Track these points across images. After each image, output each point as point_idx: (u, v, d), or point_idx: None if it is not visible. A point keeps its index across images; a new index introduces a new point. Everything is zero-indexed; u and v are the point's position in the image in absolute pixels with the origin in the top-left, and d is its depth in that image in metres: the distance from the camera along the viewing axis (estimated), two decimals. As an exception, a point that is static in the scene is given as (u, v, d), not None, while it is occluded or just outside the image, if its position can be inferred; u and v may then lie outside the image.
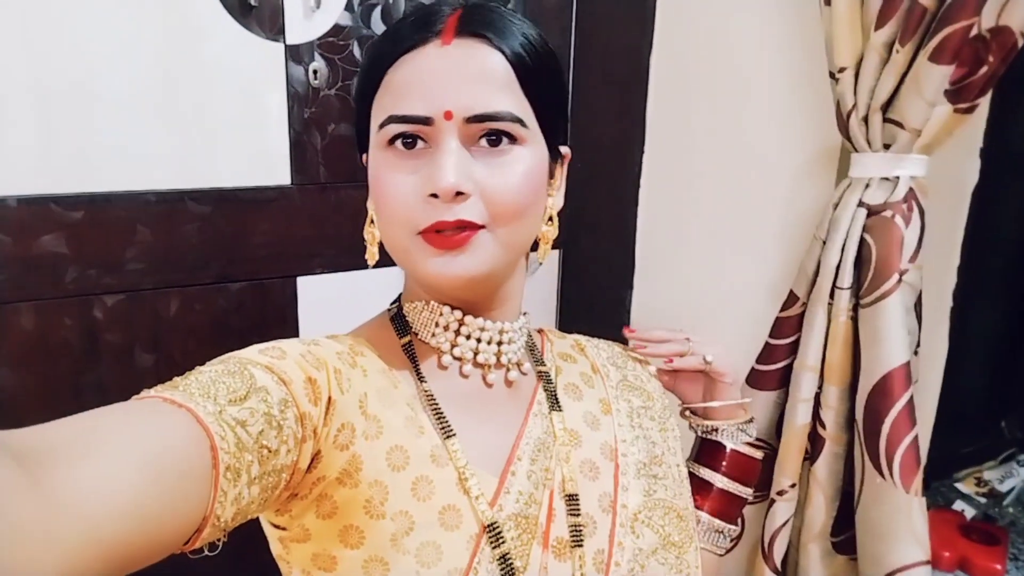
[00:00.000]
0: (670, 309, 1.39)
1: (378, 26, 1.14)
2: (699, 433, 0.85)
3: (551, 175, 0.66)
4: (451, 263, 0.59)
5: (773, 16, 1.13)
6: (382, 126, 0.60)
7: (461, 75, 0.58)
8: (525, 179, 0.60)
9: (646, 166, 1.43)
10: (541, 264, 0.70)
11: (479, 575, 0.58)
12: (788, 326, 1.04)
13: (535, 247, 0.68)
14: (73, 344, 1.04)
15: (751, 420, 0.85)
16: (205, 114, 1.06)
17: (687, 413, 0.86)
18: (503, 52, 0.59)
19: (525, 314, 0.71)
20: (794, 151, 1.13)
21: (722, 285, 1.27)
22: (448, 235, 0.58)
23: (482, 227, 0.59)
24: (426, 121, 0.58)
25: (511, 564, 0.60)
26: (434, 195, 0.58)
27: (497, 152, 0.60)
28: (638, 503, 0.69)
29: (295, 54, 1.10)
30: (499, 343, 0.67)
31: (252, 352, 0.55)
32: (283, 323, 1.17)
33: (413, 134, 0.59)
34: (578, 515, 0.65)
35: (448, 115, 0.57)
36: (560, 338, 0.81)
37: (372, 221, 0.66)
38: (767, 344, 1.07)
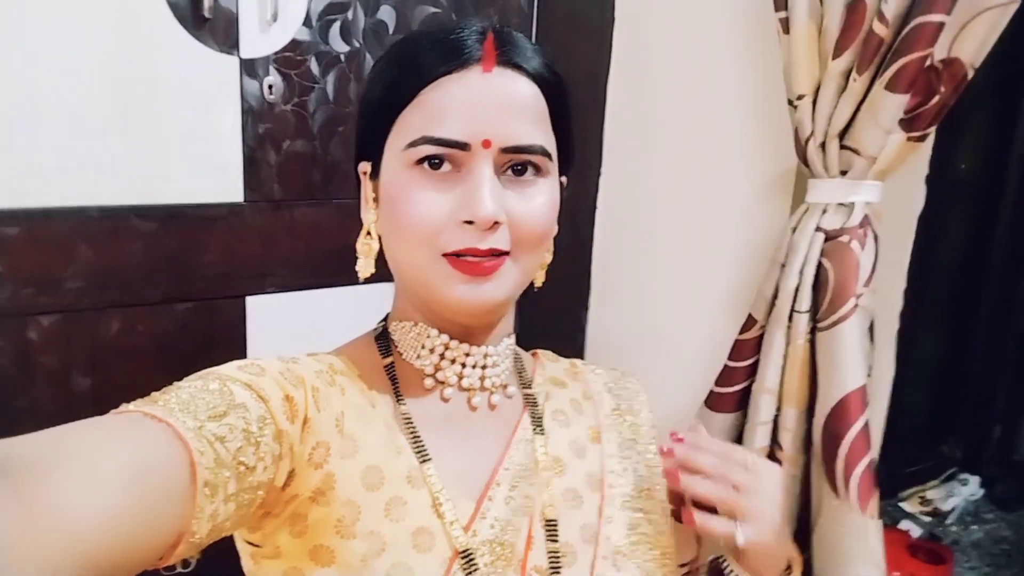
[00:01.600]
0: (627, 331, 1.39)
1: (336, 42, 1.12)
2: None
3: None
4: (478, 290, 0.60)
5: (731, 43, 1.15)
6: (413, 144, 0.59)
7: (501, 104, 0.59)
8: (548, 209, 0.62)
9: (603, 189, 1.43)
10: (537, 288, 0.71)
11: None
12: (746, 349, 1.05)
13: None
14: (5, 367, 0.97)
15: None
16: (155, 128, 1.01)
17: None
18: (538, 84, 0.61)
19: (510, 336, 0.71)
20: (751, 176, 1.15)
21: (679, 308, 1.28)
22: (478, 262, 0.59)
23: (507, 254, 0.60)
24: (463, 146, 0.58)
25: None
26: (469, 222, 0.58)
27: (522, 182, 0.61)
28: (621, 536, 0.68)
29: (250, 68, 1.07)
30: (483, 367, 0.67)
31: (231, 369, 0.55)
32: (231, 345, 1.13)
33: (442, 156, 0.59)
34: (557, 541, 0.64)
35: (487, 144, 0.58)
36: (554, 362, 0.79)
37: (368, 233, 0.66)
38: (726, 366, 1.08)
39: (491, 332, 0.67)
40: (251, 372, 0.55)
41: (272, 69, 1.08)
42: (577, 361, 0.81)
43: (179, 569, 0.47)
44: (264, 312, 1.15)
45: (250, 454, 0.49)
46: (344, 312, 1.19)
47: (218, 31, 1.03)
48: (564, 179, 0.69)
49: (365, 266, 0.66)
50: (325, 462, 0.58)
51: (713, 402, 1.09)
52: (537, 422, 0.69)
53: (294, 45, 1.09)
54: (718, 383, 1.09)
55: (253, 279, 1.13)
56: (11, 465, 0.37)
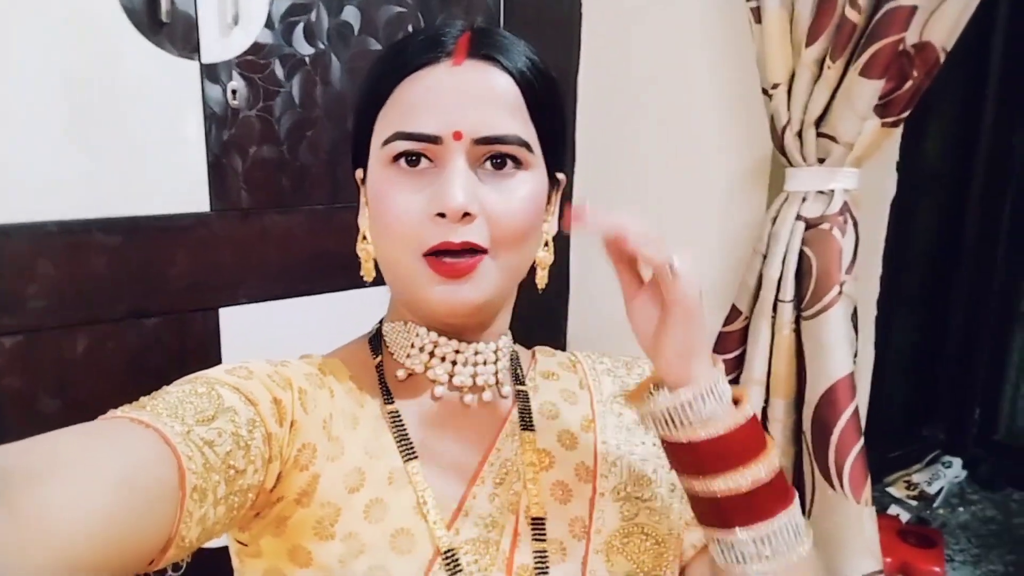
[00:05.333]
0: (605, 324, 1.38)
1: (300, 44, 1.09)
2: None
3: (548, 200, 0.65)
4: (456, 292, 0.58)
5: (703, 33, 1.14)
6: (387, 142, 0.58)
7: (471, 95, 0.58)
8: (528, 204, 0.60)
9: (577, 184, 1.42)
10: (542, 291, 0.68)
11: None
12: (732, 340, 1.04)
13: (532, 273, 0.66)
14: (-37, 391, 0.93)
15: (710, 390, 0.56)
16: (115, 137, 0.98)
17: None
18: (512, 75, 0.59)
19: (506, 334, 0.69)
20: (728, 166, 1.14)
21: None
22: (453, 263, 0.57)
23: (485, 252, 0.58)
24: (435, 140, 0.57)
25: None
26: (441, 215, 0.56)
27: (501, 175, 0.59)
28: (614, 527, 0.65)
29: (211, 73, 1.03)
30: (475, 364, 0.66)
31: (219, 372, 0.55)
32: (205, 357, 1.09)
33: (418, 152, 0.58)
34: (544, 540, 0.62)
35: (457, 135, 0.57)
36: (549, 356, 0.77)
37: (364, 238, 0.64)
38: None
39: (484, 330, 0.66)
40: (239, 375, 0.54)
41: (235, 74, 1.05)
42: (579, 352, 0.79)
43: (170, 572, 0.48)
44: (238, 323, 1.11)
45: (240, 458, 0.49)
46: (321, 320, 1.16)
47: (176, 35, 1.00)
48: (561, 176, 0.67)
49: (366, 271, 0.65)
50: (311, 464, 0.57)
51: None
52: (525, 417, 0.68)
53: (256, 48, 1.06)
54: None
55: (225, 290, 1.10)
56: (3, 473, 0.37)
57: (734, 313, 1.04)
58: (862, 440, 0.91)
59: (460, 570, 0.58)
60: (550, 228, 0.66)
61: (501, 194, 0.58)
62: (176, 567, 0.48)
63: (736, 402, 0.56)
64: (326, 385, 0.61)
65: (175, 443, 0.45)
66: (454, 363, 0.65)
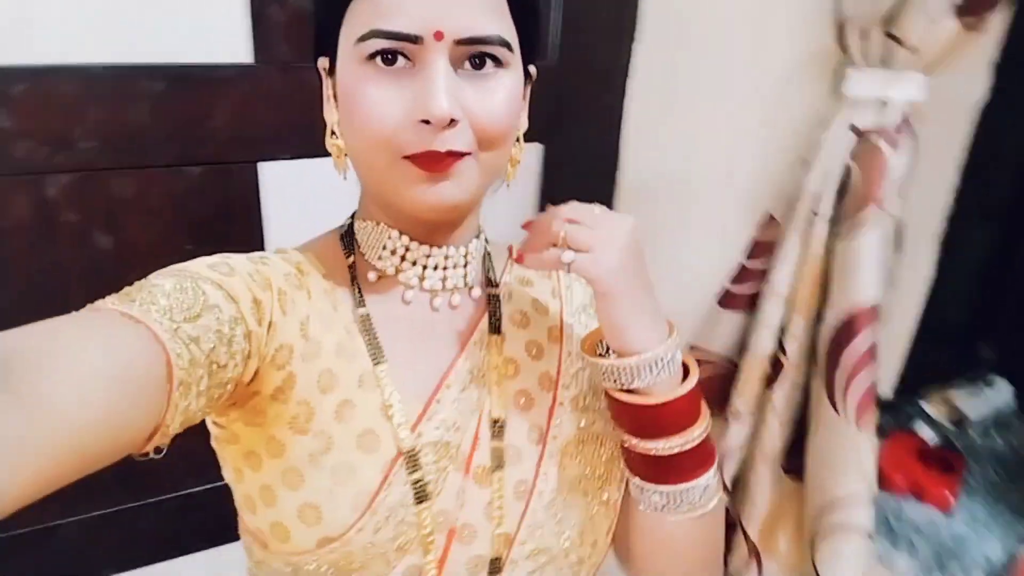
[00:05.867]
0: (648, 211, 1.35)
1: None
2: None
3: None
4: (438, 190, 0.58)
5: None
6: (363, 39, 0.56)
7: None
8: (509, 104, 0.59)
9: (637, 55, 1.33)
10: (508, 186, 0.68)
11: (390, 496, 0.60)
12: (763, 248, 1.00)
13: None
14: (27, 224, 1.01)
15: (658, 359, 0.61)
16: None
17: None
18: None
19: (479, 236, 0.69)
20: (784, 59, 1.04)
21: (696, 195, 1.22)
22: (439, 159, 0.56)
23: (468, 154, 0.58)
24: (415, 40, 0.55)
25: (424, 488, 0.61)
26: (425, 121, 0.55)
27: (481, 76, 0.57)
28: (570, 435, 0.68)
29: (256, -82, 1.00)
30: (444, 268, 0.66)
31: (202, 267, 0.56)
32: (246, 210, 1.13)
33: (396, 51, 0.56)
34: (502, 441, 0.65)
35: (439, 35, 0.54)
36: None
37: (333, 133, 0.63)
38: (741, 266, 1.04)
39: (454, 232, 0.66)
40: (221, 271, 0.56)
41: None
42: None
43: (151, 455, 0.49)
44: (278, 178, 1.14)
45: (222, 353, 0.51)
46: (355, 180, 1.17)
47: None
48: (532, 68, 0.65)
49: (338, 165, 0.64)
50: (288, 363, 0.59)
51: (725, 299, 1.06)
52: (495, 323, 0.69)
53: None
54: (732, 280, 1.06)
55: (265, 144, 1.12)
56: (6, 365, 0.40)
57: (769, 220, 0.99)
58: (875, 368, 0.88)
59: (419, 468, 0.61)
60: (522, 124, 0.66)
61: (483, 96, 0.57)
62: (158, 451, 0.50)
63: (686, 371, 0.62)
64: (304, 286, 0.62)
65: (164, 339, 0.47)
66: (424, 267, 0.65)
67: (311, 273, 0.64)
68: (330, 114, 0.63)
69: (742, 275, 1.03)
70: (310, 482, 0.59)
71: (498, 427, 0.65)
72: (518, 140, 0.65)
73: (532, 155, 1.35)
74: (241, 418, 0.61)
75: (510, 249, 0.75)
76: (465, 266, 0.67)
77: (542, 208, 1.45)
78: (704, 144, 1.19)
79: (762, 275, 1.01)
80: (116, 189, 1.05)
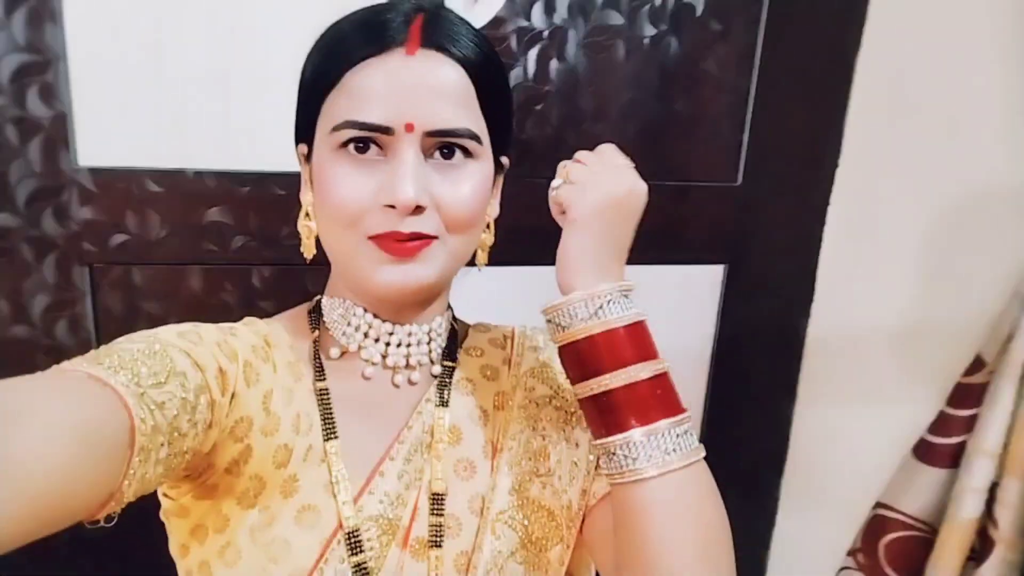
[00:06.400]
0: (844, 345, 1.22)
1: (538, 18, 1.10)
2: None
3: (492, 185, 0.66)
4: (403, 272, 0.60)
5: (1008, 18, 0.92)
6: (337, 128, 0.60)
7: (424, 87, 0.58)
8: (477, 193, 0.62)
9: (839, 180, 1.25)
10: (480, 270, 0.70)
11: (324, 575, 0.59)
12: (971, 395, 0.86)
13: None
14: (232, 308, 1.13)
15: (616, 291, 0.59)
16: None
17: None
18: (464, 66, 0.60)
19: (443, 314, 0.70)
20: (1012, 184, 0.92)
21: (893, 328, 1.08)
22: (402, 244, 0.59)
23: (435, 238, 0.60)
24: (386, 131, 0.58)
25: (364, 567, 0.60)
26: (392, 206, 0.58)
27: (451, 166, 0.61)
28: (504, 502, 0.66)
29: (455, 45, 1.09)
30: (408, 345, 0.67)
31: (171, 334, 0.57)
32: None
33: (367, 140, 0.59)
34: (441, 515, 0.63)
35: (410, 127, 0.58)
36: (483, 332, 0.77)
37: (307, 215, 0.67)
38: (942, 413, 0.90)
39: (420, 312, 0.67)
40: (190, 340, 0.57)
41: (474, 47, 1.09)
42: (519, 327, 0.77)
43: (102, 523, 0.48)
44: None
45: (184, 422, 0.51)
46: (525, 292, 1.18)
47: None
48: (506, 159, 0.68)
49: (306, 248, 0.67)
50: (246, 436, 0.60)
51: (923, 452, 0.92)
52: (441, 393, 0.68)
53: (496, 22, 1.09)
54: (932, 430, 0.92)
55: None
56: None
57: (977, 363, 0.86)
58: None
59: (359, 544, 0.60)
60: (493, 211, 0.69)
61: (451, 185, 0.60)
62: (108, 519, 0.48)
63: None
64: (271, 359, 0.64)
65: (130, 404, 0.47)
66: (387, 344, 0.66)
67: (278, 346, 0.66)
68: (305, 196, 0.66)
69: (944, 424, 0.89)
70: (247, 558, 0.59)
71: (438, 500, 0.64)
72: (488, 227, 0.68)
73: (714, 276, 1.29)
74: (192, 491, 0.61)
75: (467, 329, 0.77)
76: (429, 343, 0.68)
77: (722, 331, 1.37)
78: (904, 273, 1.07)
79: (968, 425, 0.86)
80: (310, 283, 1.15)
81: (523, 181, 1.20)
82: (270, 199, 1.09)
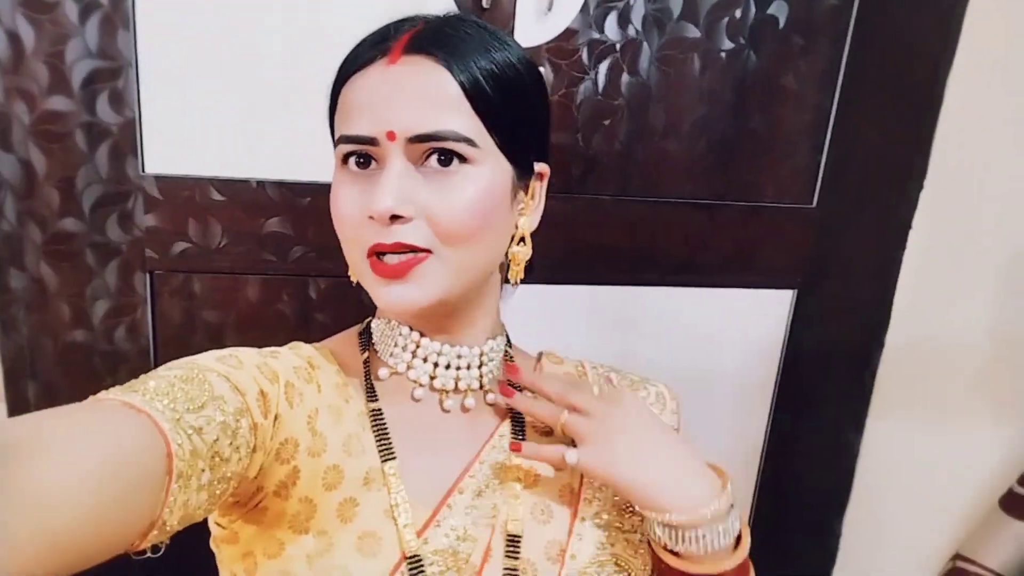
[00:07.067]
0: (921, 378, 1.15)
1: (612, 30, 1.06)
2: None
3: (525, 192, 0.64)
4: (397, 292, 0.58)
5: None
6: (336, 144, 0.60)
7: (403, 94, 0.57)
8: (475, 201, 0.58)
9: (923, 203, 1.18)
10: (514, 288, 0.67)
11: None
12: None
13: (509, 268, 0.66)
14: (289, 319, 1.12)
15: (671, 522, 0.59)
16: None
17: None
18: (450, 70, 0.57)
19: (495, 338, 0.67)
20: None
21: (991, 368, 1.02)
22: (389, 263, 0.57)
23: (427, 251, 0.57)
24: (371, 141, 0.57)
25: None
26: (372, 217, 0.56)
27: (445, 172, 0.58)
28: (590, 556, 0.63)
29: (524, 57, 1.06)
30: (457, 368, 0.65)
31: (209, 360, 0.55)
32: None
33: (365, 154, 0.58)
34: (516, 558, 0.60)
35: (391, 135, 0.56)
36: (556, 363, 0.74)
37: None
38: (1038, 462, 0.83)
39: (466, 330, 0.64)
40: (230, 364, 0.55)
41: (544, 59, 1.06)
42: (587, 362, 0.74)
43: (149, 554, 0.47)
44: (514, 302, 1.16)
45: (226, 446, 0.50)
46: (573, 311, 1.15)
47: (495, 20, 1.04)
48: (543, 167, 0.64)
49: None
50: (292, 458, 0.58)
51: (1011, 504, 0.85)
52: (517, 430, 0.65)
53: (568, 34, 1.05)
54: (1022, 481, 0.84)
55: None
56: None
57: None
58: None
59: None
60: (529, 223, 0.64)
61: (442, 193, 0.57)
62: (155, 549, 0.47)
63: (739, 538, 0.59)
64: (314, 379, 0.62)
65: (165, 428, 0.45)
66: (436, 365, 0.64)
67: (323, 367, 0.64)
68: None
69: (1040, 476, 0.82)
70: None
71: (514, 543, 0.61)
72: (523, 240, 0.64)
73: (783, 302, 1.24)
74: (246, 517, 0.59)
75: (539, 356, 0.74)
76: (480, 367, 0.65)
77: (788, 357, 1.31)
78: (989, 302, 1.00)
79: None
80: (365, 296, 1.13)
81: (586, 198, 1.18)
82: (329, 210, 1.07)
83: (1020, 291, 1.01)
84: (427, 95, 0.57)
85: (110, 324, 1.06)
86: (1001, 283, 1.06)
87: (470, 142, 0.57)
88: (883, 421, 1.24)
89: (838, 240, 1.20)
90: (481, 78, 0.58)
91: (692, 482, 0.59)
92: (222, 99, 1.01)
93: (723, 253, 1.18)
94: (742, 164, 1.15)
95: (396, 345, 0.65)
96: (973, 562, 0.88)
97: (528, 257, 0.65)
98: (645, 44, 1.07)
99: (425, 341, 0.64)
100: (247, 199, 1.04)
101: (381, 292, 0.59)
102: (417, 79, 0.57)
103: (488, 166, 0.59)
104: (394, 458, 0.61)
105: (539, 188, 0.65)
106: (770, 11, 1.08)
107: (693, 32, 1.08)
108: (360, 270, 0.61)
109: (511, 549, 0.61)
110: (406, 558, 0.58)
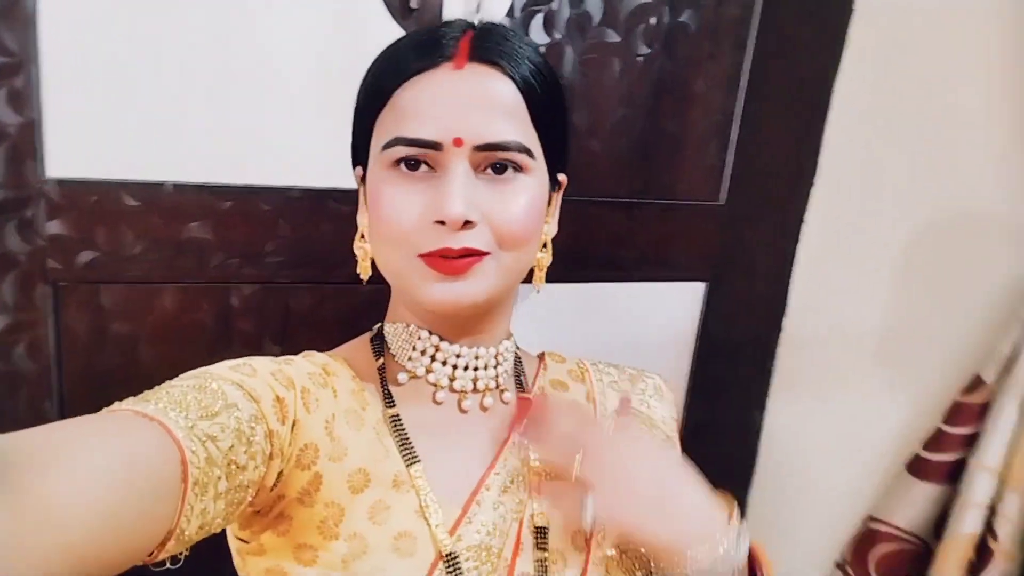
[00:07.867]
0: (818, 361, 1.25)
1: (538, 34, 1.08)
2: None
3: (548, 202, 0.66)
4: (453, 289, 0.59)
5: (992, 37, 0.96)
6: (387, 146, 0.59)
7: (473, 102, 0.58)
8: (529, 209, 0.61)
9: (814, 200, 1.29)
10: (538, 291, 0.70)
11: None
12: (968, 414, 0.90)
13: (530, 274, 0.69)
14: (209, 328, 1.06)
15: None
16: (356, 115, 1.04)
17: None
18: (514, 80, 0.59)
19: (509, 338, 0.70)
20: (999, 204, 0.97)
21: (887, 348, 1.13)
22: (452, 260, 0.58)
23: (487, 254, 0.59)
24: (435, 146, 0.57)
25: None
26: (441, 222, 0.57)
27: (502, 180, 0.60)
28: (613, 542, 0.65)
29: (451, 58, 1.06)
30: (475, 368, 0.66)
31: (223, 368, 0.56)
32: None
33: (418, 158, 0.59)
34: (546, 550, 0.63)
35: (458, 142, 0.57)
36: (559, 362, 0.77)
37: (363, 236, 0.67)
38: (938, 430, 0.93)
39: (484, 333, 0.66)
40: (243, 372, 0.56)
41: (472, 60, 1.06)
42: (586, 359, 0.78)
43: (168, 565, 0.47)
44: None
45: (241, 453, 0.50)
46: (518, 307, 1.17)
47: (423, 22, 1.03)
48: (563, 176, 0.67)
49: (363, 269, 0.67)
50: (313, 463, 0.58)
51: (917, 467, 0.95)
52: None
53: (495, 37, 1.06)
54: (927, 447, 0.95)
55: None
56: (3, 462, 0.37)
57: (976, 382, 0.89)
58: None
59: (460, 574, 0.58)
60: (550, 230, 0.68)
61: (502, 200, 0.59)
62: (174, 560, 0.47)
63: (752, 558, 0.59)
64: (329, 384, 0.62)
65: (179, 437, 0.45)
66: (455, 367, 0.66)
67: (338, 373, 0.65)
68: (361, 218, 0.66)
69: (939, 441, 0.93)
70: None
71: (542, 535, 0.63)
72: (545, 246, 0.68)
73: (695, 294, 1.31)
74: (270, 527, 0.59)
75: (541, 355, 0.77)
76: (496, 367, 0.68)
77: (701, 347, 1.39)
78: (880, 291, 1.11)
79: (964, 443, 0.90)
80: (293, 303, 1.09)
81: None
82: (255, 215, 1.03)
83: (911, 280, 1.13)
84: (494, 104, 0.58)
85: (9, 342, 0.97)
86: (888, 271, 1.17)
87: (529, 153, 0.59)
88: (784, 402, 1.34)
89: (742, 235, 1.29)
90: (538, 89, 0.60)
91: (703, 525, 0.57)
92: (134, 96, 0.94)
93: (641, 249, 1.23)
94: (658, 164, 1.20)
95: (415, 349, 0.66)
96: (884, 522, 0.98)
97: (550, 262, 0.68)
98: (569, 48, 1.10)
99: (444, 344, 0.66)
100: (163, 204, 0.98)
101: (435, 288, 0.59)
102: (484, 87, 0.58)
103: (536, 175, 0.61)
104: (418, 461, 0.62)
105: (557, 197, 0.69)
106: (682, 18, 1.14)
107: (613, 37, 1.12)
108: (404, 270, 0.61)
109: (540, 541, 0.63)
110: (442, 557, 0.59)
